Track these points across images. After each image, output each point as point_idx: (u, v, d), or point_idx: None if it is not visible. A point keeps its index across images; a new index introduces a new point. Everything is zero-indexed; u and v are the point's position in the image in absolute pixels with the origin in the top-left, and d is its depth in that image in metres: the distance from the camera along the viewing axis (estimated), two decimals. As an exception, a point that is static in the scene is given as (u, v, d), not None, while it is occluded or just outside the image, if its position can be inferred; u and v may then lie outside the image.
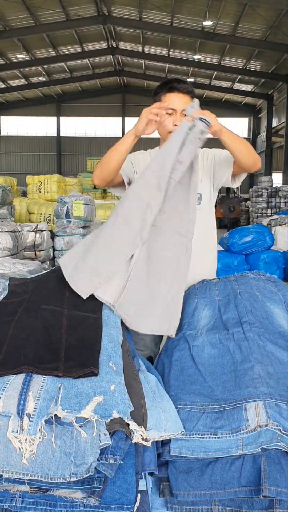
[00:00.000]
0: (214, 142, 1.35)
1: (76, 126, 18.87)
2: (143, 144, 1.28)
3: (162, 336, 1.46)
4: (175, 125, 1.28)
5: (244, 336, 0.99)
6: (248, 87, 15.98)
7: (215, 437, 0.80)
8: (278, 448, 0.79)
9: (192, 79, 14.70)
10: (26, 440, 0.70)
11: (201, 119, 1.05)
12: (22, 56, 13.22)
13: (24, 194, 8.28)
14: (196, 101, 1.13)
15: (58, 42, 12.86)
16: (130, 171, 1.39)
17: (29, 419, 0.71)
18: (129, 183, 1.41)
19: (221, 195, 12.44)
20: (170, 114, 1.29)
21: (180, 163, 1.04)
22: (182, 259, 1.09)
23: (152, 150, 1.46)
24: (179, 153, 1.04)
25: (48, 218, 5.96)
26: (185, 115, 1.11)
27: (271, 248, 4.42)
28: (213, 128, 1.10)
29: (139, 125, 1.19)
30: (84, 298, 1.00)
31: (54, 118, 18.76)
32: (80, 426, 0.71)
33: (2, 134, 19.01)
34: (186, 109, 1.13)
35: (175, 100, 1.29)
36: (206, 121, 1.05)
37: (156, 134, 1.36)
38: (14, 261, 2.08)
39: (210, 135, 1.11)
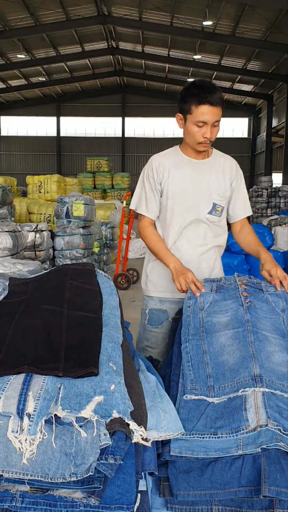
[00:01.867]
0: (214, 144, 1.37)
1: (76, 126, 18.86)
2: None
3: (173, 335, 1.47)
4: (205, 137, 1.29)
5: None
6: (248, 87, 15.98)
7: (215, 437, 0.80)
8: (278, 448, 0.79)
9: (192, 79, 14.67)
10: (26, 440, 0.70)
11: None
12: (22, 56, 13.21)
13: (24, 194, 8.28)
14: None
15: (58, 42, 12.86)
16: (158, 185, 1.40)
17: (29, 419, 0.71)
18: (161, 192, 1.41)
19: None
20: (200, 126, 1.28)
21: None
22: None
23: (168, 152, 1.44)
24: None
25: (48, 218, 5.96)
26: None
27: (271, 248, 4.42)
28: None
29: (174, 277, 1.26)
30: None
31: (54, 118, 18.75)
32: (80, 426, 0.71)
33: (2, 134, 19.00)
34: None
35: (207, 113, 1.26)
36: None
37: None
38: (14, 261, 2.08)
39: None
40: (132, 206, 1.45)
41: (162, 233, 1.43)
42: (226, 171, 1.41)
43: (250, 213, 1.48)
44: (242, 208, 1.45)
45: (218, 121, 1.30)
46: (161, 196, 1.40)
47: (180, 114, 1.33)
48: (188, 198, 1.37)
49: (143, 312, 1.48)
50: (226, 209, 1.44)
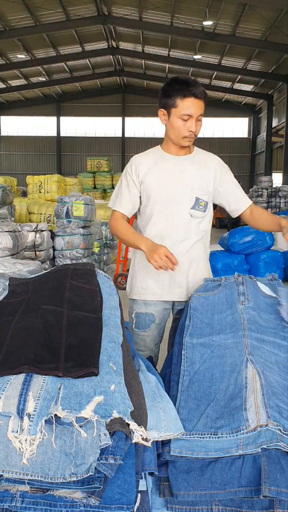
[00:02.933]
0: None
1: (76, 126, 18.86)
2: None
3: (162, 337, 1.46)
4: (190, 131, 1.29)
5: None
6: (248, 87, 15.98)
7: (215, 437, 0.80)
8: (278, 448, 0.79)
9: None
10: (26, 440, 0.70)
11: None
12: (22, 56, 13.22)
13: (24, 194, 8.28)
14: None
15: (58, 42, 12.86)
16: (137, 182, 1.38)
17: (29, 419, 0.71)
18: (141, 189, 1.39)
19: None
20: (185, 120, 1.28)
21: None
22: None
23: (150, 151, 1.44)
24: None
25: (48, 218, 5.96)
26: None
27: (271, 248, 4.41)
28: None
29: (148, 256, 1.22)
30: None
31: (54, 118, 18.75)
32: (80, 426, 0.71)
33: (2, 134, 19.00)
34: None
35: (192, 106, 1.27)
36: None
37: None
38: (14, 261, 2.08)
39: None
40: (109, 204, 1.43)
41: (144, 231, 1.39)
42: (209, 165, 1.38)
43: (250, 201, 1.44)
44: (242, 196, 1.42)
45: (202, 115, 1.30)
46: (141, 194, 1.38)
47: (163, 110, 1.33)
48: (170, 193, 1.34)
49: (129, 316, 1.45)
50: (227, 203, 1.40)
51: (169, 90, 1.30)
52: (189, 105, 1.27)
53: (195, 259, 1.39)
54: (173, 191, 1.35)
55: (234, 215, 1.44)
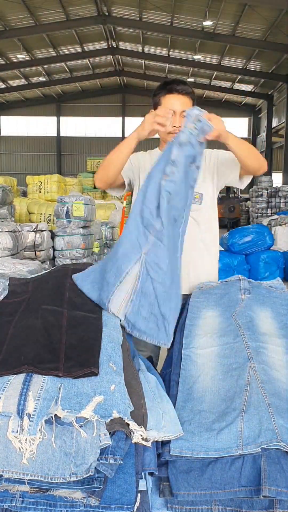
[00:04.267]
0: (215, 144, 1.36)
1: (76, 126, 18.86)
2: (143, 144, 1.28)
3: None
4: (174, 126, 1.28)
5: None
6: (248, 87, 15.98)
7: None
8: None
9: (192, 79, 14.70)
10: (26, 440, 0.70)
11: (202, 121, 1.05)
12: (22, 56, 13.21)
13: (24, 194, 8.28)
14: (197, 108, 1.11)
15: (58, 42, 12.86)
16: (130, 172, 1.39)
17: (29, 419, 0.71)
18: (130, 184, 1.41)
19: (221, 195, 12.45)
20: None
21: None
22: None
23: (153, 151, 1.46)
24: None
25: (48, 218, 5.96)
26: (187, 116, 1.10)
27: (271, 248, 4.42)
28: (218, 132, 1.09)
29: (142, 132, 1.19)
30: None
31: (54, 118, 18.75)
32: (80, 426, 0.71)
33: (2, 134, 19.00)
34: (190, 111, 1.10)
35: (174, 101, 1.29)
36: (208, 125, 1.05)
37: (156, 134, 1.37)
38: (14, 261, 2.08)
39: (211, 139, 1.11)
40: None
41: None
42: (204, 158, 1.34)
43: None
44: (236, 163, 1.32)
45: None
46: (133, 188, 1.36)
47: (152, 110, 1.33)
48: None
49: None
50: (234, 179, 1.35)
51: (156, 90, 1.34)
52: (171, 102, 1.29)
53: (195, 252, 1.35)
54: None
55: (243, 185, 1.38)
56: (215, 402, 0.87)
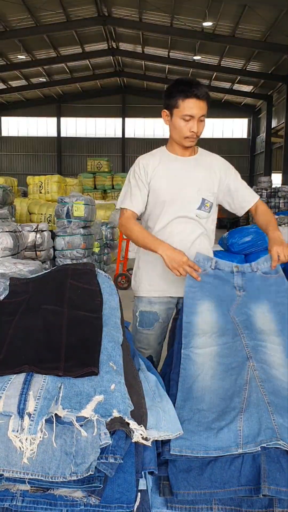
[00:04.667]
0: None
1: (76, 126, 18.87)
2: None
3: (165, 336, 1.47)
4: (192, 131, 1.29)
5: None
6: (247, 88, 15.99)
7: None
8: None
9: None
10: (26, 439, 0.70)
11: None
12: (22, 57, 13.23)
13: (25, 194, 8.29)
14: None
15: (59, 43, 12.87)
16: (145, 182, 1.39)
17: (29, 418, 0.72)
18: (149, 190, 1.40)
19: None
20: (187, 120, 1.29)
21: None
22: None
23: (157, 152, 1.44)
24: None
25: (48, 218, 5.96)
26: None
27: (271, 249, 4.40)
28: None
29: (168, 264, 1.23)
30: None
31: (55, 119, 18.77)
32: (81, 425, 0.71)
33: (2, 135, 19.02)
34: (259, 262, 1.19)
35: (193, 106, 1.28)
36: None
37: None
38: (15, 261, 2.08)
39: None
40: (118, 205, 1.43)
41: (151, 230, 1.40)
42: (214, 166, 1.40)
43: (257, 197, 1.45)
44: (248, 194, 1.42)
45: (204, 115, 1.31)
46: (148, 194, 1.38)
47: (166, 110, 1.34)
48: (176, 194, 1.36)
49: (134, 314, 1.46)
50: (229, 203, 1.42)
51: (172, 91, 1.31)
52: (190, 106, 1.28)
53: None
54: (180, 192, 1.36)
55: (241, 213, 1.45)
56: (215, 401, 0.87)
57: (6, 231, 3.14)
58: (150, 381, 0.91)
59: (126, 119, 18.44)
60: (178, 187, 1.36)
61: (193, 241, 1.38)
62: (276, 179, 14.67)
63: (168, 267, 1.23)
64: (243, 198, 1.43)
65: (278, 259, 1.21)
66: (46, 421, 0.72)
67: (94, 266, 1.17)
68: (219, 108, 17.28)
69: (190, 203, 1.36)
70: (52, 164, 18.82)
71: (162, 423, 0.79)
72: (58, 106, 18.61)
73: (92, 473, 0.69)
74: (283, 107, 13.92)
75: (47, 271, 1.24)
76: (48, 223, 5.64)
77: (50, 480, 0.69)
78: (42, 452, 0.71)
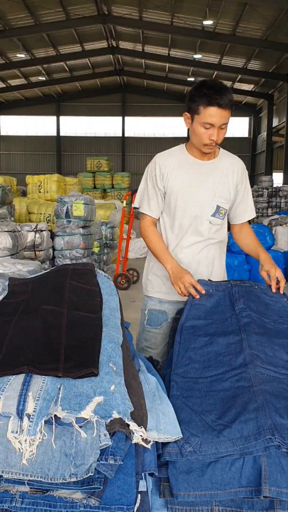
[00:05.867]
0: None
1: (76, 125, 18.84)
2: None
3: (172, 335, 1.47)
4: (211, 139, 1.27)
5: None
6: (248, 87, 15.96)
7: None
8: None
9: (192, 79, 14.70)
10: (26, 440, 0.70)
11: None
12: (22, 56, 13.21)
13: (24, 194, 8.28)
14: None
15: (58, 42, 12.85)
16: (161, 184, 1.38)
17: (29, 419, 0.71)
18: (165, 191, 1.40)
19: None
20: (207, 128, 1.25)
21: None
22: None
23: (175, 150, 1.42)
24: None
25: (48, 218, 5.96)
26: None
27: (272, 248, 4.41)
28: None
29: (172, 281, 1.26)
30: None
31: (54, 118, 18.74)
32: (80, 427, 0.71)
33: (1, 134, 18.99)
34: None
35: (215, 115, 1.23)
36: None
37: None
38: (14, 261, 2.08)
39: None
40: (135, 204, 1.44)
41: (163, 233, 1.42)
42: (231, 174, 1.38)
43: (253, 215, 1.46)
44: (244, 211, 1.44)
45: (226, 123, 1.27)
46: (165, 196, 1.39)
47: (187, 114, 1.31)
48: (192, 199, 1.35)
49: (143, 313, 1.47)
50: (233, 210, 1.44)
51: (194, 94, 1.26)
52: (211, 114, 1.23)
53: (211, 262, 1.42)
54: (195, 197, 1.36)
55: (231, 222, 1.47)
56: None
57: (5, 231, 3.14)
58: (150, 382, 0.90)
59: (126, 118, 18.41)
60: (194, 193, 1.35)
61: (206, 254, 1.40)
62: (277, 178, 14.67)
63: (172, 282, 1.27)
64: (242, 211, 1.44)
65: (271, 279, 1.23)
66: (46, 422, 0.71)
67: (94, 266, 1.17)
68: (219, 107, 17.16)
69: (205, 209, 1.36)
70: (52, 163, 18.80)
71: (161, 426, 0.79)
72: (58, 105, 18.58)
73: (92, 474, 0.68)
74: (284, 106, 13.90)
75: (46, 271, 1.23)
76: (47, 222, 5.63)
77: (50, 481, 0.69)
78: (42, 453, 0.70)
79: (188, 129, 1.34)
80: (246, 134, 18.57)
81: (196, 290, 1.18)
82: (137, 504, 0.74)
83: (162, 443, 0.81)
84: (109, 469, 0.70)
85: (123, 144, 18.30)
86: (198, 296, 1.17)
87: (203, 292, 1.18)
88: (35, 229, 4.25)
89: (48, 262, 4.44)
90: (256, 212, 12.44)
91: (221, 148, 1.41)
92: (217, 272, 1.44)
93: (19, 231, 3.42)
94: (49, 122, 18.85)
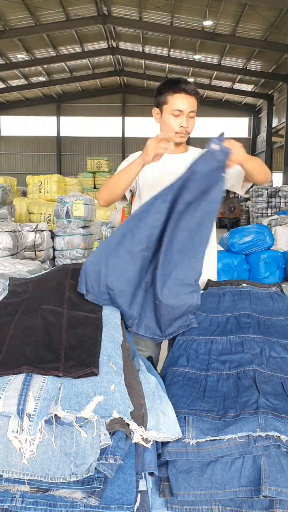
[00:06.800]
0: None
1: (76, 126, 18.87)
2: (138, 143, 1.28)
3: None
4: (182, 126, 1.29)
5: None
6: (248, 87, 15.99)
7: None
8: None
9: (192, 79, 14.70)
10: (26, 440, 0.70)
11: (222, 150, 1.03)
12: (22, 56, 13.23)
13: (24, 194, 8.28)
14: (223, 133, 1.10)
15: (58, 42, 12.87)
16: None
17: (29, 419, 0.71)
18: (130, 191, 1.40)
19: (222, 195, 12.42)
20: (176, 115, 1.29)
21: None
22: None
23: None
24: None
25: (48, 218, 5.96)
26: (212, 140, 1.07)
27: (271, 248, 4.42)
28: (237, 158, 1.08)
29: (146, 157, 1.18)
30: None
31: (54, 118, 18.76)
32: (80, 426, 0.71)
33: (2, 134, 19.01)
34: (211, 140, 1.08)
35: (182, 101, 1.28)
36: (226, 152, 1.03)
37: (156, 134, 1.37)
38: (14, 261, 2.09)
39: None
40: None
41: None
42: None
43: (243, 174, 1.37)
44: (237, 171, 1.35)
45: (194, 112, 1.30)
46: (133, 190, 1.37)
47: (156, 109, 1.34)
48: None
49: None
50: (236, 186, 1.36)
51: (161, 88, 1.32)
52: (179, 101, 1.28)
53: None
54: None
55: (242, 191, 1.40)
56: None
57: (6, 231, 3.14)
58: (150, 382, 0.90)
59: (126, 118, 18.43)
60: (162, 184, 1.33)
61: None
62: (277, 178, 14.68)
63: (150, 157, 1.15)
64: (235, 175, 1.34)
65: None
66: (46, 422, 0.72)
67: (94, 266, 1.17)
68: (220, 107, 17.27)
69: None
70: (52, 163, 18.82)
71: (161, 425, 0.79)
72: (58, 105, 18.60)
73: (92, 474, 0.68)
74: (283, 107, 13.92)
75: (46, 271, 1.23)
76: (48, 223, 5.64)
77: (50, 481, 0.69)
78: (42, 453, 0.70)
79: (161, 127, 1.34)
80: (245, 135, 18.58)
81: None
82: (137, 504, 0.74)
83: (162, 442, 0.81)
84: (109, 469, 0.70)
85: (123, 144, 18.31)
86: (171, 148, 1.11)
87: (171, 136, 1.13)
88: (35, 229, 4.25)
89: (48, 262, 4.45)
90: (256, 212, 12.37)
91: (191, 146, 1.42)
92: (206, 270, 1.39)
93: (20, 231, 3.43)
94: (49, 123, 18.87)
